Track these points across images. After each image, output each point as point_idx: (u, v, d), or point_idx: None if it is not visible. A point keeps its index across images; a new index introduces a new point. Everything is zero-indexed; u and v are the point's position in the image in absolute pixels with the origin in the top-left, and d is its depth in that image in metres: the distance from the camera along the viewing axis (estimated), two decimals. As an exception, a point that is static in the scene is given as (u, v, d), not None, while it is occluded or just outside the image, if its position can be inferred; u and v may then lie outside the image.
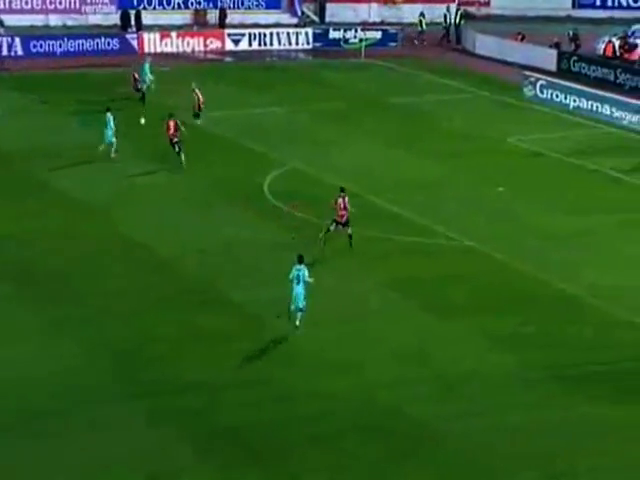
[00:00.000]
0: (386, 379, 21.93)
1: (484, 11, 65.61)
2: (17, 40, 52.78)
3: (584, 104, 44.83)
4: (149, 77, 44.98)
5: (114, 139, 36.01)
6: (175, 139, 35.65)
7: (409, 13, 63.35)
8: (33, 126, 40.13)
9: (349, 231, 28.46)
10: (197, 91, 40.11)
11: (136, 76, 43.59)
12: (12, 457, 19.07)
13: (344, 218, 28.37)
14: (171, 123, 35.73)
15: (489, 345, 23.51)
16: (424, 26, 59.47)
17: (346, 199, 28.50)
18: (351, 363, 22.51)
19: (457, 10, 60.18)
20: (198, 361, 22.53)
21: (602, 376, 22.31)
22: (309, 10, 63.10)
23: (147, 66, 45.42)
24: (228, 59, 55.38)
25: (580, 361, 22.96)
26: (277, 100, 45.29)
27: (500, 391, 21.68)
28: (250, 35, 57.04)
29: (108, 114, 36.25)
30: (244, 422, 20.17)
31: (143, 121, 36.76)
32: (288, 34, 57.71)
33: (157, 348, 23.05)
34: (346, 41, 58.11)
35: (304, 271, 23.74)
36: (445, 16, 59.68)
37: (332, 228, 28.46)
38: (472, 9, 64.19)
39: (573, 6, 66.44)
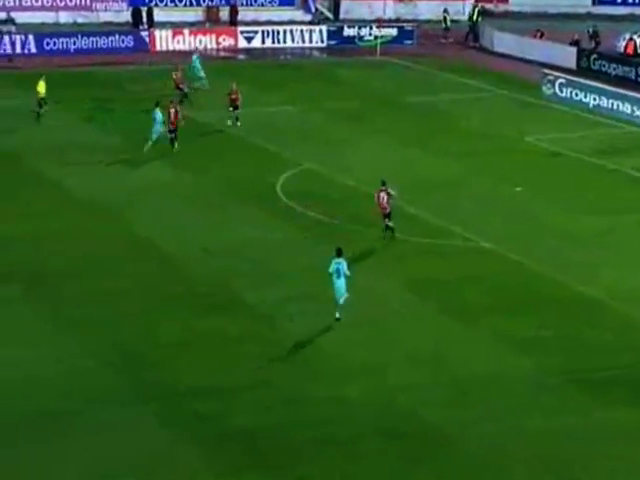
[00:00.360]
0: (402, 382, 21.66)
1: (502, 8, 65.04)
2: (30, 37, 52.60)
3: (604, 103, 44.38)
4: (202, 74, 44.46)
5: (156, 135, 35.94)
6: (171, 127, 36.13)
7: (425, 10, 62.87)
8: (45, 125, 39.80)
9: (389, 223, 28.52)
10: (239, 93, 39.39)
11: (174, 76, 43.05)
12: (19, 457, 18.85)
13: (387, 210, 28.44)
14: (171, 110, 36.22)
15: (506, 348, 23.21)
16: (449, 23, 58.89)
17: (389, 190, 28.51)
18: (367, 366, 22.24)
19: (474, 7, 59.55)
20: (209, 363, 22.25)
21: (621, 380, 21.96)
22: (323, 7, 62.69)
23: (197, 62, 45.09)
24: (241, 57, 55.03)
25: (599, 365, 22.62)
26: (290, 99, 45.01)
27: (517, 395, 21.38)
28: (263, 32, 56.62)
29: (157, 109, 36.16)
30: (256, 425, 19.92)
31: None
32: (302, 31, 57.27)
33: (167, 350, 22.79)
34: (361, 38, 57.64)
35: (343, 264, 23.76)
36: (479, 13, 58.91)
37: (390, 224, 28.56)
38: (490, 6, 63.58)
39: (593, 3, 65.87)
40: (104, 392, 20.96)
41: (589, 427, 20.20)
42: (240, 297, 25.32)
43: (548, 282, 26.69)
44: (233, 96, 39.52)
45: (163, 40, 54.63)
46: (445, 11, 59.29)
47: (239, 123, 39.53)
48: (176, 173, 34.89)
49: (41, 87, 40.01)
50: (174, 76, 42.97)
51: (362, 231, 29.06)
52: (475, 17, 59.08)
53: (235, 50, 55.67)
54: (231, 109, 39.59)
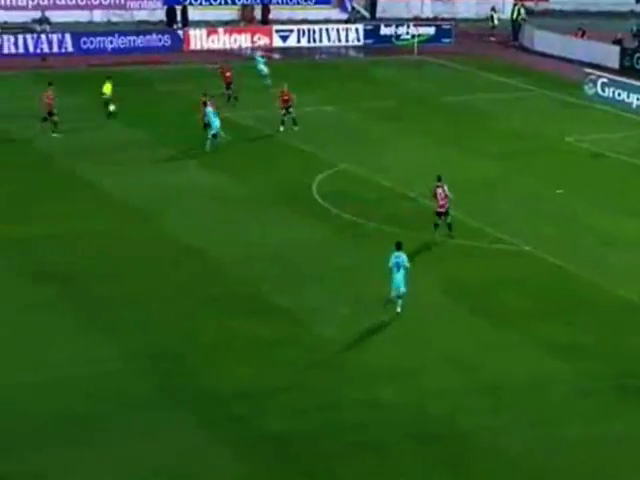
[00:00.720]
0: (437, 386, 21.41)
1: (542, 6, 64.37)
2: (67, 36, 52.75)
3: (648, 103, 43.75)
4: (265, 72, 44.68)
5: (215, 131, 36.29)
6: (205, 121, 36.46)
7: (463, 8, 62.32)
8: (80, 126, 39.74)
9: (448, 220, 28.45)
10: (292, 95, 38.94)
11: (225, 73, 42.82)
12: (50, 459, 18.72)
13: (444, 208, 28.27)
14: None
15: (543, 352, 22.84)
16: (496, 22, 58.29)
17: (445, 187, 28.40)
18: (401, 369, 22.00)
19: (515, 5, 58.97)
20: (244, 366, 22.04)
21: (665, 387, 21.57)
22: (359, 6, 62.35)
23: (261, 60, 45.39)
24: (276, 56, 54.71)
25: (640, 371, 22.21)
26: (326, 98, 44.83)
27: (555, 401, 21.01)
28: (299, 31, 56.35)
29: (207, 108, 36.35)
30: (290, 428, 19.77)
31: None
32: (338, 30, 56.94)
33: (202, 352, 22.64)
34: (398, 37, 57.27)
35: (403, 257, 23.82)
36: (518, 11, 58.27)
37: (440, 222, 28.44)
38: (530, 4, 62.91)
39: (636, 0, 64.93)
40: (137, 394, 20.81)
41: (631, 434, 19.78)
42: (276, 299, 25.11)
43: (587, 285, 26.31)
44: (285, 97, 39.05)
45: (197, 39, 54.51)
46: (493, 9, 58.70)
47: (296, 127, 38.71)
48: (212, 174, 34.70)
49: (107, 88, 40.23)
50: (222, 73, 42.58)
51: (398, 232, 28.68)
52: (515, 15, 58.50)
53: (270, 49, 55.45)
54: (284, 111, 38.95)
